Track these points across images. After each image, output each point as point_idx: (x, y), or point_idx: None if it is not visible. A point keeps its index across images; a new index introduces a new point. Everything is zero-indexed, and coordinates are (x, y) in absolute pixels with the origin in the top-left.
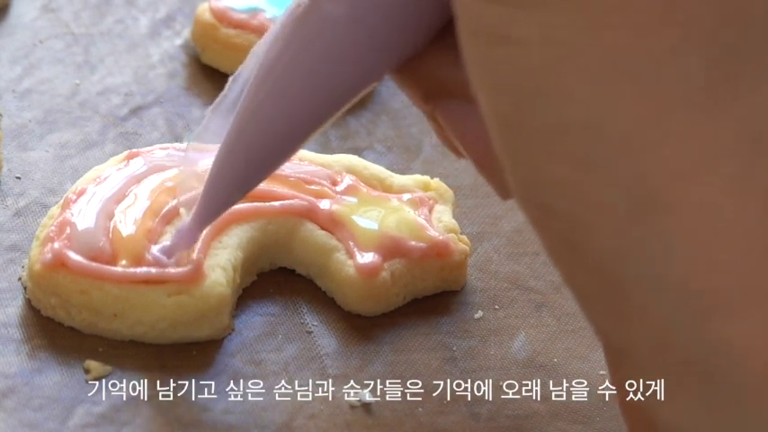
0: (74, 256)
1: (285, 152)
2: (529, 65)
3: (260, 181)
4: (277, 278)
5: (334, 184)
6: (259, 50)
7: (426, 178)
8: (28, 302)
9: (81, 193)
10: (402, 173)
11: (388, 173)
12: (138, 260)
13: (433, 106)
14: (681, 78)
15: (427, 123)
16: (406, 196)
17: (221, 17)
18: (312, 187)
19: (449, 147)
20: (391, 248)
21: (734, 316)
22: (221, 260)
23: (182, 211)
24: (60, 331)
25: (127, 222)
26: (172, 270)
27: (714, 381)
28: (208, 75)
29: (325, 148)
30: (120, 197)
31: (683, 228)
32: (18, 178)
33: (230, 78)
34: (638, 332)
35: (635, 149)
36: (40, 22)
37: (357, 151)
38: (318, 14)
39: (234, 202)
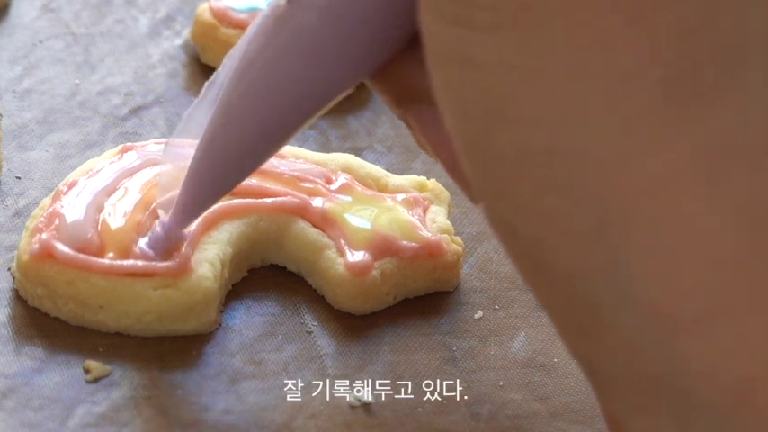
0: (61, 247)
1: (259, 156)
2: (490, 88)
3: (236, 183)
4: (277, 278)
5: (329, 182)
6: (234, 56)
7: (423, 179)
8: (15, 293)
9: (72, 185)
10: (402, 173)
11: (384, 172)
12: (125, 253)
13: (405, 110)
14: (646, 93)
15: None
16: (400, 196)
17: (221, 17)
18: (306, 185)
19: (422, 148)
20: (382, 247)
21: (702, 332)
22: (209, 255)
23: (159, 211)
24: (60, 331)
25: (116, 215)
26: (159, 263)
27: (683, 397)
28: (208, 75)
29: (325, 148)
30: (111, 190)
31: (647, 245)
32: (18, 178)
33: (206, 84)
34: (607, 349)
35: (597, 169)
36: (40, 22)
37: (357, 151)
38: (292, 23)
39: (211, 204)
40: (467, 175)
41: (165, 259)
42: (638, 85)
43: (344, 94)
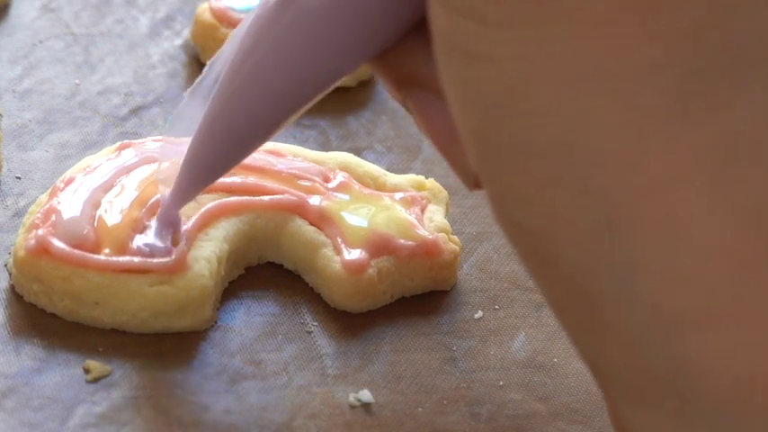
0: (57, 243)
1: (259, 137)
2: (501, 81)
3: (235, 163)
4: (276, 278)
5: (327, 180)
6: (237, 36)
7: (421, 178)
8: (12, 288)
9: (69, 182)
10: (402, 173)
11: (383, 171)
12: (121, 249)
13: (405, 95)
14: (657, 92)
15: None
16: (398, 195)
17: (221, 17)
18: (303, 183)
19: (422, 132)
20: (379, 246)
21: (705, 330)
22: (206, 252)
23: (161, 188)
24: (60, 331)
25: (113, 212)
26: (154, 260)
27: (683, 395)
28: None
29: (325, 148)
30: (108, 187)
31: (651, 243)
32: (18, 178)
33: (208, 63)
34: (610, 347)
35: (607, 164)
36: (40, 22)
37: (357, 151)
38: (296, 5)
39: (209, 183)
40: (469, 165)
41: (163, 255)
42: (651, 83)
43: (343, 79)
